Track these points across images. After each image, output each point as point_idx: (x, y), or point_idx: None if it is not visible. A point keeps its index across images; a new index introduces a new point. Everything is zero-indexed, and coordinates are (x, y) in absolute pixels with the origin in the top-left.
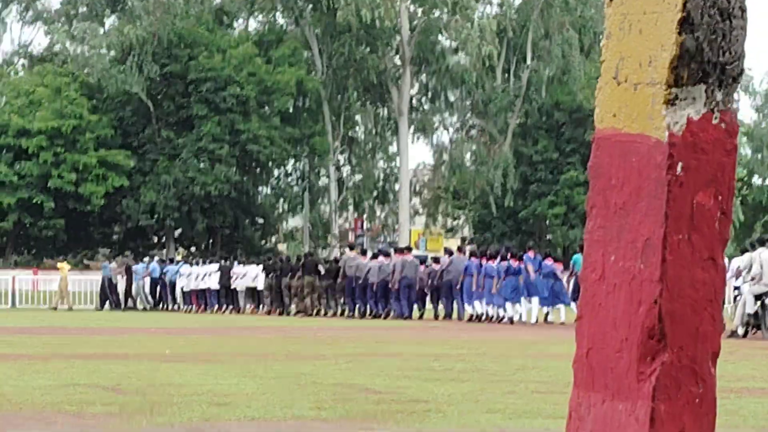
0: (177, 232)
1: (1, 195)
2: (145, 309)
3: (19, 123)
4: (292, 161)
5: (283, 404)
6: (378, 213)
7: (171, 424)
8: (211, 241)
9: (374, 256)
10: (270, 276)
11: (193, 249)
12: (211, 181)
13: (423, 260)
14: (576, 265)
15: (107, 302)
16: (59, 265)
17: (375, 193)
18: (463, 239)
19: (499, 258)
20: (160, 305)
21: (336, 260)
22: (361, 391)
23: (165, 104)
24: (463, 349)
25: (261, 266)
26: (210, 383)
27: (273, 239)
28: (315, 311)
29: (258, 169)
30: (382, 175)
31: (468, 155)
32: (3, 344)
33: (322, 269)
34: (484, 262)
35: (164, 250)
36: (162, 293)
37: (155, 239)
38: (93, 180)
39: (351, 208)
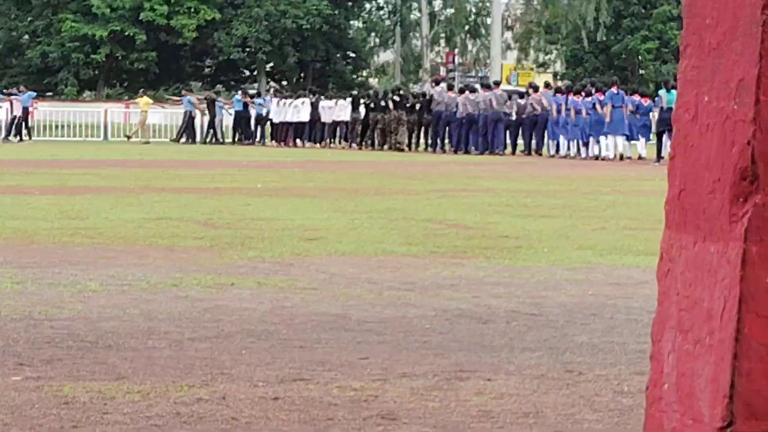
0: (268, 66)
1: (93, 27)
2: (225, 142)
3: None
4: None
5: (373, 240)
6: (469, 47)
7: (262, 258)
8: (302, 75)
9: (461, 91)
10: (358, 110)
11: (284, 83)
12: (303, 14)
13: (510, 95)
14: (660, 100)
15: (183, 135)
16: (139, 99)
17: (467, 28)
18: (555, 74)
19: (584, 93)
20: (245, 139)
21: (424, 95)
22: (451, 226)
23: None
24: (554, 185)
25: (350, 100)
26: (300, 218)
27: (364, 73)
28: (404, 145)
29: (350, 3)
30: (473, 9)
31: None
32: (96, 177)
33: (410, 103)
34: (570, 97)
35: (255, 84)
36: (244, 127)
37: (246, 73)
38: (185, 13)
39: (442, 42)
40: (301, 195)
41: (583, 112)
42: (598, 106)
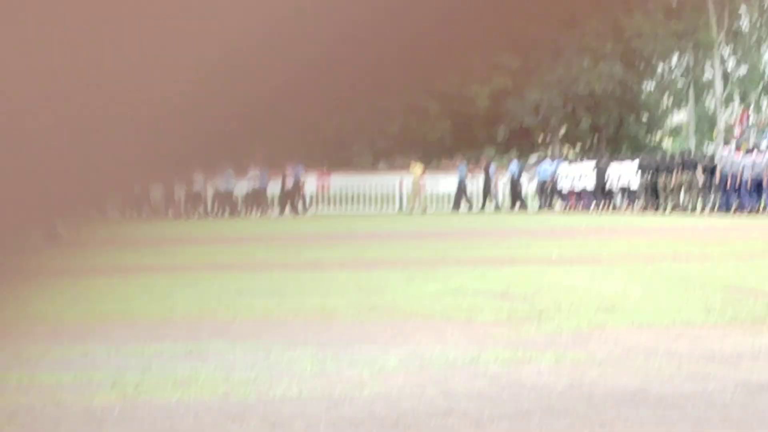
0: (561, 131)
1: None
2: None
3: None
4: (676, 55)
5: (671, 308)
6: (764, 106)
7: (559, 331)
8: (595, 138)
9: (748, 152)
10: (646, 173)
11: (577, 147)
12: (596, 78)
13: None
14: None
15: (461, 204)
16: (412, 167)
17: (761, 85)
18: None
19: None
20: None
21: (712, 157)
22: (751, 293)
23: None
24: None
25: (636, 162)
26: (596, 287)
27: (658, 135)
28: (691, 208)
29: (642, 65)
30: (767, 67)
31: None
32: (391, 250)
33: (698, 166)
34: None
35: (549, 149)
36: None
37: (540, 138)
38: (477, 81)
39: (736, 101)
40: (596, 262)
41: None
42: None
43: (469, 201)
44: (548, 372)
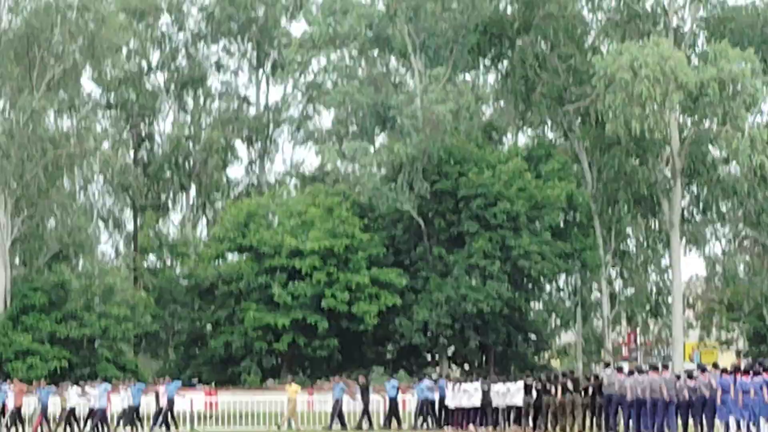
0: (450, 350)
1: (275, 316)
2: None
3: (293, 243)
4: (563, 276)
5: None
6: (651, 326)
7: None
8: (484, 358)
9: (630, 373)
10: (530, 393)
11: (466, 367)
12: (483, 297)
13: (678, 376)
14: None
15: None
16: (287, 387)
17: (648, 307)
18: (738, 352)
19: (752, 373)
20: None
21: (596, 377)
22: None
23: (436, 221)
24: None
25: (521, 383)
26: None
27: (546, 355)
28: (576, 428)
29: (530, 285)
30: (654, 288)
31: (741, 266)
32: None
33: (582, 386)
34: (738, 377)
35: (437, 368)
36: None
37: (428, 357)
38: (366, 299)
39: (624, 321)
40: None
41: (752, 392)
42: (765, 388)
43: (341, 419)
44: None
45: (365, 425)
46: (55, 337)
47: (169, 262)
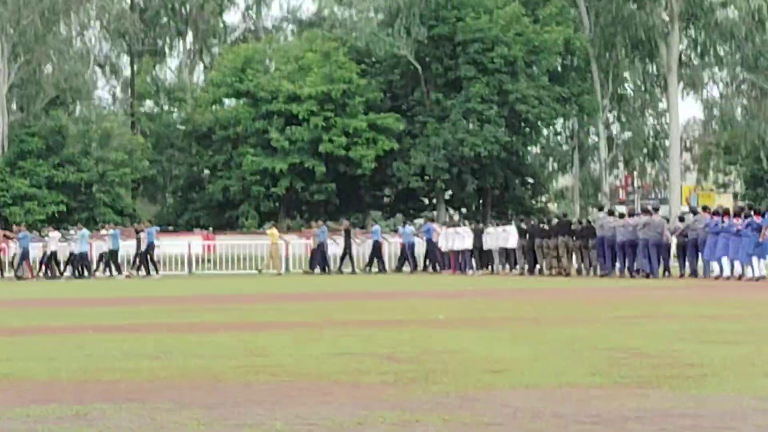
0: (447, 194)
1: (273, 161)
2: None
3: (289, 89)
4: (560, 120)
5: (558, 371)
6: (648, 170)
7: (446, 393)
8: (481, 201)
9: (621, 216)
10: (523, 237)
11: (463, 210)
12: (481, 141)
13: (668, 219)
14: None
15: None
16: (269, 231)
17: (645, 150)
18: (735, 195)
19: (742, 216)
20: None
21: (588, 221)
22: (636, 355)
23: (433, 66)
24: (736, 309)
25: (514, 226)
26: (484, 350)
27: (543, 199)
28: (570, 270)
29: (527, 129)
30: (651, 132)
31: (738, 110)
32: (278, 312)
33: (575, 229)
34: (726, 219)
35: (434, 212)
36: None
37: (426, 201)
38: (363, 144)
39: (621, 165)
40: (483, 326)
41: (740, 234)
42: (753, 230)
43: (327, 263)
44: None
45: (346, 269)
46: (53, 182)
47: (166, 108)
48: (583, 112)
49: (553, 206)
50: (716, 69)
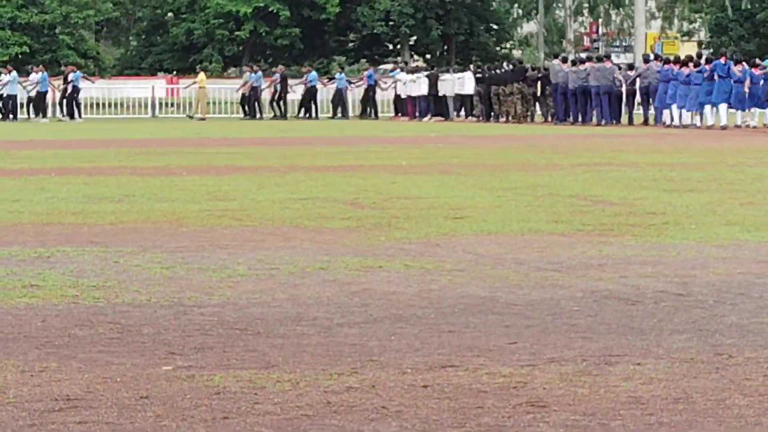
0: (412, 40)
1: (237, 4)
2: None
3: None
4: None
5: (519, 218)
6: (613, 17)
7: (408, 239)
8: (445, 48)
9: (573, 63)
10: (479, 83)
11: (428, 56)
12: None
13: (620, 67)
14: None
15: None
16: (197, 76)
17: None
18: (700, 43)
19: (692, 65)
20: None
21: (545, 68)
22: (597, 202)
23: None
24: (699, 157)
25: (470, 73)
26: (446, 196)
27: (508, 45)
28: (523, 117)
29: None
30: None
31: None
32: (241, 156)
33: (529, 76)
34: (676, 68)
35: (399, 58)
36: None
37: (390, 47)
38: None
39: (586, 12)
40: (446, 172)
41: (690, 82)
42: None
43: (254, 109)
44: (397, 279)
45: (278, 112)
46: (16, 23)
47: None
48: None
49: (517, 53)
50: None
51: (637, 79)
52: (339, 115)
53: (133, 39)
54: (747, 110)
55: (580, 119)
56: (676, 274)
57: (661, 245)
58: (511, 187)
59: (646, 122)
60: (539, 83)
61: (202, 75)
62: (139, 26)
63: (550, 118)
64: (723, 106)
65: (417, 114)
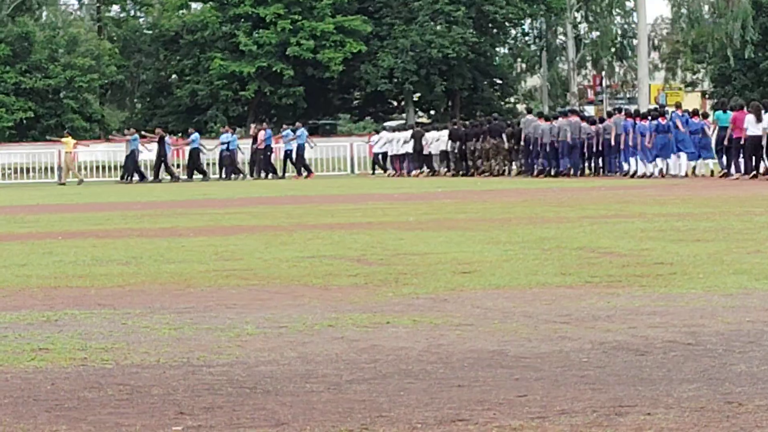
0: (415, 96)
1: (240, 64)
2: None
3: None
4: (528, 20)
5: (528, 271)
6: (617, 69)
7: (416, 294)
8: (450, 103)
9: (546, 119)
10: (455, 140)
11: (432, 112)
12: (449, 43)
13: (592, 121)
14: (719, 122)
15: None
16: (64, 140)
17: (613, 50)
18: (703, 93)
19: (650, 117)
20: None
21: (518, 123)
22: (605, 254)
23: None
24: (705, 207)
25: (447, 131)
26: (454, 251)
27: (512, 100)
28: (499, 172)
29: (495, 30)
30: (619, 31)
31: (706, 7)
32: (248, 216)
33: (505, 132)
34: (637, 121)
35: (404, 114)
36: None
37: (394, 104)
38: (331, 46)
39: (589, 65)
40: (453, 227)
41: (648, 135)
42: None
43: (138, 172)
44: (406, 335)
45: (164, 176)
46: (20, 89)
47: (133, 13)
48: (550, 11)
49: (521, 107)
50: None
51: (603, 132)
52: (224, 176)
53: (138, 101)
54: (702, 160)
55: (552, 171)
56: (684, 323)
57: (670, 295)
58: (518, 240)
59: (611, 172)
60: (513, 138)
61: (68, 138)
62: (143, 89)
63: (525, 172)
64: (683, 156)
65: (403, 170)
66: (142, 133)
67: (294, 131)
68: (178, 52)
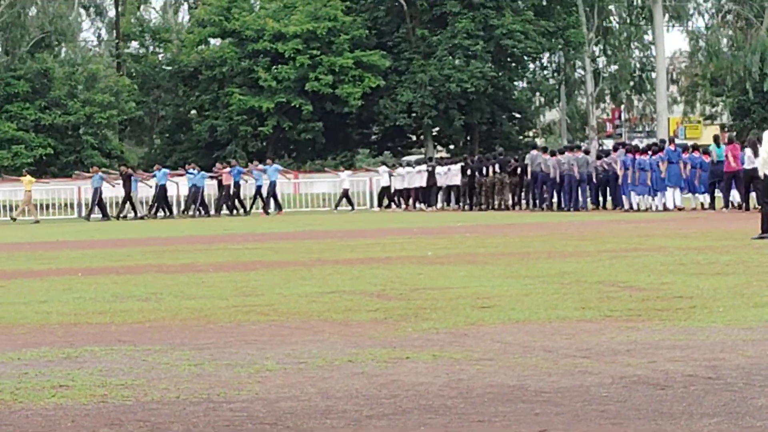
0: (434, 131)
1: (260, 100)
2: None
3: (275, 27)
4: (547, 54)
5: (547, 305)
6: (635, 103)
7: (436, 329)
8: (468, 138)
9: (552, 154)
10: (467, 175)
11: (451, 147)
12: (467, 77)
13: (599, 156)
14: (712, 155)
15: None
16: (23, 178)
17: (631, 83)
18: (722, 126)
19: (650, 152)
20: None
21: (523, 158)
22: (625, 288)
23: (418, 2)
24: (725, 240)
25: (459, 166)
26: (473, 285)
27: (531, 134)
28: (506, 206)
29: (513, 64)
30: (638, 65)
31: (724, 41)
32: (267, 251)
33: (511, 167)
34: (638, 156)
35: (422, 149)
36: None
37: (413, 138)
38: (349, 81)
39: (608, 99)
40: (472, 261)
41: (648, 170)
42: (661, 164)
43: (101, 208)
44: (426, 370)
45: (130, 214)
46: (40, 125)
47: (151, 49)
48: (569, 45)
49: (540, 141)
50: (701, 0)
51: (606, 167)
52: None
53: (157, 137)
54: (698, 194)
55: (564, 206)
56: (704, 357)
57: (690, 329)
58: (538, 275)
59: (615, 207)
60: (521, 173)
61: (28, 177)
62: (162, 124)
63: (540, 207)
64: (676, 191)
65: (412, 204)
66: (110, 171)
67: (264, 171)
68: (197, 88)
